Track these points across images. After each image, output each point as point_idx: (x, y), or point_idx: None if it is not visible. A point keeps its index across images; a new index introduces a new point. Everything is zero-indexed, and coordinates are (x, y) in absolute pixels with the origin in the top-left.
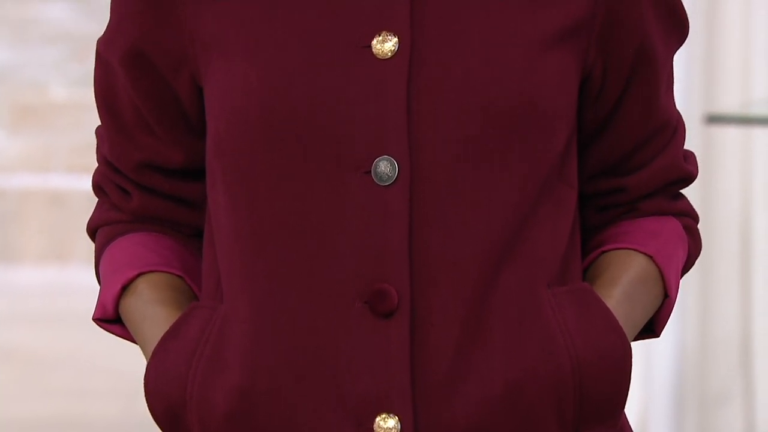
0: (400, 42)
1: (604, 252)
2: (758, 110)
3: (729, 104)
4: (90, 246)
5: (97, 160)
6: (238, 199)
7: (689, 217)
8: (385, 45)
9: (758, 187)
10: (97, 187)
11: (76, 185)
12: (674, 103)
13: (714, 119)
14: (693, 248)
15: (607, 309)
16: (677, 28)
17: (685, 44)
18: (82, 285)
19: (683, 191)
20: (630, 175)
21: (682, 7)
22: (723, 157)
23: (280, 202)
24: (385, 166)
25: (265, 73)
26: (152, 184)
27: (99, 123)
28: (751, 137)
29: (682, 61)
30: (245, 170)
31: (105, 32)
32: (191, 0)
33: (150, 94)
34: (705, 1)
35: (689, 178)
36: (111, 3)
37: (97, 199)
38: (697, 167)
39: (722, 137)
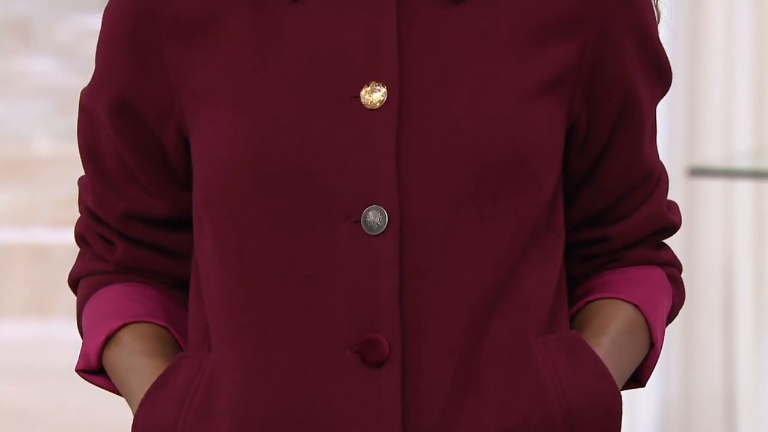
0: (388, 92)
1: (590, 302)
2: (741, 163)
3: (712, 157)
4: (73, 300)
5: (80, 211)
6: (226, 249)
7: (673, 266)
8: (374, 95)
9: (741, 240)
10: (80, 238)
11: (60, 239)
12: (657, 153)
13: (697, 172)
14: (677, 298)
15: (597, 357)
16: (661, 78)
17: (668, 95)
18: (65, 339)
19: (667, 241)
20: (614, 225)
21: (666, 56)
22: (706, 209)
23: (269, 251)
24: (375, 216)
25: (253, 123)
26: (136, 234)
27: (82, 176)
28: (734, 190)
29: (665, 112)
30: (234, 220)
31: (90, 82)
32: (177, 49)
33: (135, 144)
34: (688, 51)
35: (673, 227)
36: (96, 52)
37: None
38: (680, 217)
39: (705, 190)
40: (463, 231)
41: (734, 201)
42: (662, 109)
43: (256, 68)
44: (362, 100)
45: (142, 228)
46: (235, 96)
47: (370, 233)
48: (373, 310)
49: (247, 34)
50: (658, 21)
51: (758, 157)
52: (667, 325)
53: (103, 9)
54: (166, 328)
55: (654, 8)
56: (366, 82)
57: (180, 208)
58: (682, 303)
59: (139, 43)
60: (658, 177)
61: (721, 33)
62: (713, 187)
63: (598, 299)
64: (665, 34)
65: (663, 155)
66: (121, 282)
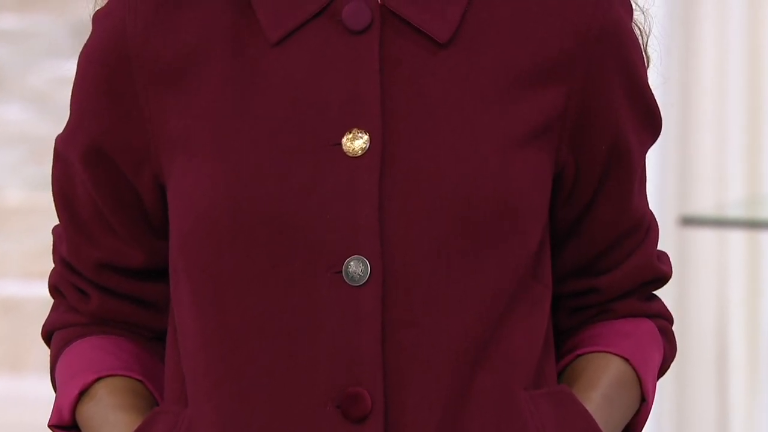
0: (371, 139)
1: (579, 355)
2: (734, 212)
3: (704, 206)
4: (46, 355)
5: (54, 261)
6: (203, 300)
7: (664, 318)
8: (356, 143)
9: (735, 292)
10: (54, 289)
11: (31, 292)
12: (647, 201)
13: (689, 221)
14: (668, 351)
15: (587, 412)
16: (651, 125)
17: (659, 144)
18: (38, 396)
19: (658, 292)
20: (603, 276)
21: (656, 102)
22: (698, 260)
23: (248, 303)
24: (357, 266)
25: (231, 172)
26: (112, 284)
27: (56, 225)
28: (727, 240)
29: (655, 159)
30: (212, 271)
31: (64, 129)
32: (155, 95)
33: (110, 192)
34: (679, 96)
35: (663, 278)
36: (71, 98)
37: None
38: (671, 267)
39: (697, 239)
40: (448, 282)
41: (727, 251)
42: (653, 156)
43: (235, 114)
44: (344, 148)
45: (118, 278)
46: (213, 143)
47: (352, 284)
48: (355, 363)
49: (226, 78)
50: (648, 66)
51: (752, 205)
52: (658, 378)
53: (78, 54)
54: (141, 381)
55: (643, 53)
56: (348, 129)
57: (156, 258)
58: (674, 356)
59: (114, 88)
60: (647, 226)
61: (713, 77)
62: (706, 236)
63: (587, 353)
64: (655, 78)
65: (654, 204)
66: (96, 334)
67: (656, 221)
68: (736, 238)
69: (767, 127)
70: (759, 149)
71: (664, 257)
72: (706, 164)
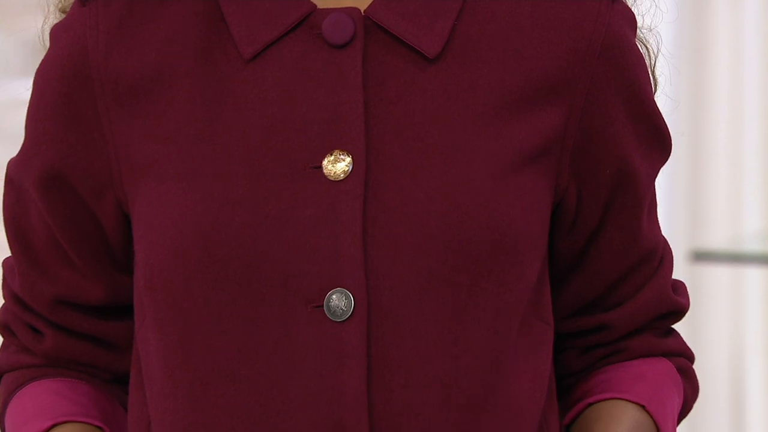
0: (353, 162)
1: (590, 404)
2: (750, 246)
3: (717, 239)
4: None
5: (4, 296)
6: (172, 340)
7: (683, 356)
8: (337, 165)
9: (751, 332)
10: (4, 327)
11: None
12: (659, 228)
13: (701, 256)
14: (689, 392)
15: None
16: (660, 146)
17: (668, 173)
18: None
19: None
20: (613, 311)
21: (663, 121)
22: (711, 298)
23: (220, 343)
24: (339, 300)
25: (202, 200)
26: (69, 322)
27: (7, 258)
28: (743, 277)
29: (665, 189)
30: (181, 308)
31: (18, 153)
32: (118, 116)
33: (69, 221)
34: (690, 122)
35: (680, 311)
36: (26, 119)
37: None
38: (689, 298)
39: (710, 277)
40: (439, 318)
41: (743, 289)
42: (662, 185)
43: (205, 136)
44: (324, 171)
45: (75, 315)
46: (182, 168)
47: (334, 320)
48: (339, 407)
49: (196, 97)
50: (655, 89)
51: None
52: (678, 423)
53: (32, 74)
54: (101, 428)
55: (650, 74)
56: (328, 151)
57: (118, 294)
58: (696, 397)
59: (74, 109)
60: (661, 255)
61: (727, 102)
62: (719, 274)
63: (599, 400)
64: (664, 104)
65: None
66: (51, 377)
67: (670, 249)
68: (753, 275)
69: None
70: None
71: (680, 288)
72: (720, 193)
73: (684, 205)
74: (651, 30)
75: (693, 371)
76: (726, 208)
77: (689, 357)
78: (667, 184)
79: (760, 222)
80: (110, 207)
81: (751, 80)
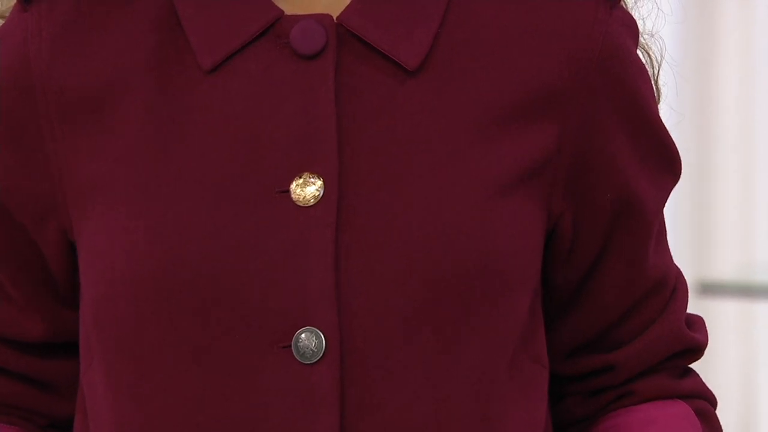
0: (325, 185)
1: None
2: (762, 277)
3: (726, 269)
4: None
5: None
6: (122, 384)
7: (703, 398)
8: (307, 189)
9: (763, 372)
10: None
11: None
12: (670, 256)
13: (709, 288)
14: None
15: None
16: (667, 165)
17: (671, 197)
18: None
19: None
20: (618, 350)
21: (670, 139)
22: (720, 334)
23: (177, 387)
24: (309, 340)
25: (156, 227)
26: (2, 362)
27: None
28: (754, 311)
29: (668, 217)
30: (132, 347)
31: None
32: (63, 133)
33: (5, 249)
34: (697, 138)
35: (696, 348)
36: None
37: None
38: (707, 334)
39: (719, 310)
40: (420, 359)
41: (754, 324)
42: (666, 209)
43: (160, 156)
44: (293, 196)
45: (11, 353)
46: (134, 191)
47: (304, 361)
48: None
49: (150, 112)
50: (659, 101)
51: None
52: None
53: None
54: None
55: (653, 85)
56: (297, 174)
57: (61, 330)
58: None
59: (14, 125)
60: (673, 287)
61: (737, 114)
62: (729, 307)
63: None
64: (668, 117)
65: None
66: None
67: (684, 279)
68: (765, 308)
69: None
70: None
71: (697, 323)
72: (729, 221)
73: (689, 230)
74: (653, 36)
75: (714, 415)
76: (736, 233)
77: (710, 399)
78: (670, 208)
79: None
80: (53, 235)
81: (762, 91)
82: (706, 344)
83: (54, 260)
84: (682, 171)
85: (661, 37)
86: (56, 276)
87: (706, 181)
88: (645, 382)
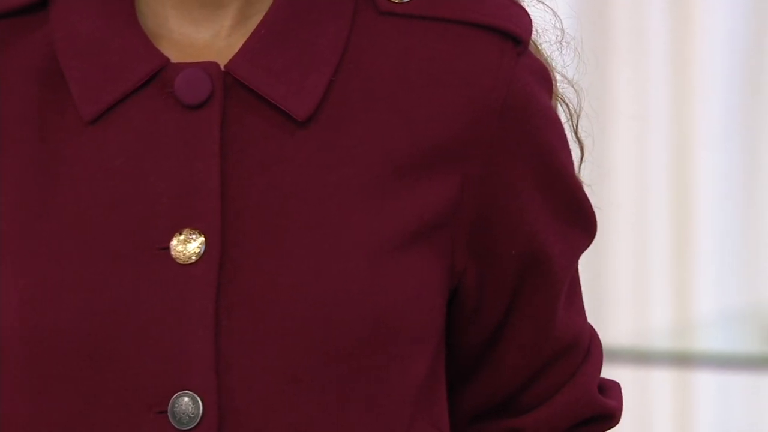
0: (206, 242)
1: None
2: (659, 343)
3: (620, 334)
4: None
5: None
6: None
7: None
8: (188, 246)
9: None
10: None
11: None
12: (584, 316)
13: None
14: None
15: None
16: (580, 222)
17: None
18: None
19: None
20: (525, 415)
21: (584, 194)
22: None
23: None
24: (186, 405)
25: (32, 287)
26: None
27: None
28: (649, 379)
29: None
30: (4, 415)
31: None
32: None
33: None
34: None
35: (609, 414)
36: None
37: None
38: (621, 401)
39: (613, 376)
40: (304, 426)
41: (650, 394)
42: None
43: (41, 211)
44: (173, 253)
45: None
46: (14, 249)
47: (180, 427)
48: None
49: (31, 165)
50: (582, 155)
51: (681, 335)
52: None
53: None
54: None
55: (574, 136)
56: (178, 230)
57: None
58: None
59: None
60: (586, 349)
61: (633, 173)
62: (623, 374)
63: None
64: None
65: None
66: None
67: (599, 341)
68: (662, 377)
69: (698, 236)
70: (688, 262)
71: (611, 388)
72: (624, 283)
73: (584, 296)
74: (572, 83)
75: None
76: (631, 297)
77: None
78: None
79: (670, 314)
80: None
81: (656, 145)
82: (620, 411)
83: None
84: None
85: (580, 87)
86: None
87: (598, 238)
88: None
